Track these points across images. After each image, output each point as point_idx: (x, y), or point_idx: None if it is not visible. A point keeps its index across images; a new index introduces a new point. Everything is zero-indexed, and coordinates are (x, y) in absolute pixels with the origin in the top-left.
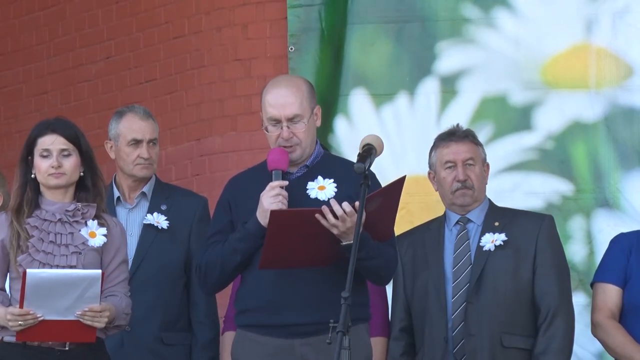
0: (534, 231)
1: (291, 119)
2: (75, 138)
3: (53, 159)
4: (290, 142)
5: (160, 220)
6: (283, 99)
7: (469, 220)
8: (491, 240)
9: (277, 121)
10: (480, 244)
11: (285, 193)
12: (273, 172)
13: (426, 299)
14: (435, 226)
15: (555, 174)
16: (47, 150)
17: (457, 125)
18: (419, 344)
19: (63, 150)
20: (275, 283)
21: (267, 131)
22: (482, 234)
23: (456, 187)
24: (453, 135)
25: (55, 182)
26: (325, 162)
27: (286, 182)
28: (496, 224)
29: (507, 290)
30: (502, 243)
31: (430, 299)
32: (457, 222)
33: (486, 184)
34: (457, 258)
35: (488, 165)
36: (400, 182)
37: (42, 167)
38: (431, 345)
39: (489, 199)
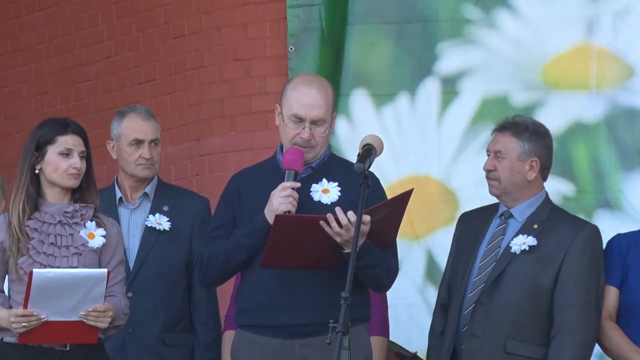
0: (567, 240)
1: (315, 122)
2: (87, 142)
3: (76, 159)
4: (308, 143)
5: (162, 221)
6: (313, 100)
7: (511, 215)
8: (520, 243)
9: (300, 120)
10: (510, 244)
11: (296, 195)
12: (286, 171)
13: (454, 286)
14: (489, 212)
15: (556, 175)
16: (69, 149)
17: (515, 116)
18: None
19: (82, 152)
20: (275, 283)
21: (287, 127)
22: (517, 234)
23: (485, 175)
24: (499, 126)
25: (72, 183)
26: (330, 164)
27: (298, 184)
28: (535, 226)
29: (522, 296)
30: (527, 248)
31: (455, 289)
32: (500, 215)
33: (529, 179)
34: (486, 253)
35: (536, 161)
36: (407, 195)
37: (61, 165)
38: (446, 336)
39: (546, 196)
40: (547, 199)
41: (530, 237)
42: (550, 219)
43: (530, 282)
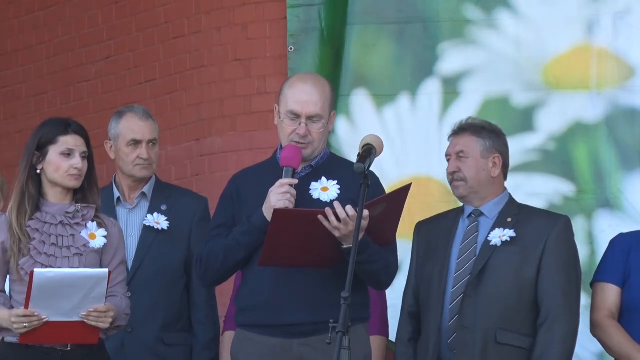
0: (545, 231)
1: (311, 118)
2: (89, 142)
3: (77, 159)
4: (305, 139)
5: (160, 221)
6: (308, 96)
7: (482, 214)
8: (499, 236)
9: (296, 116)
10: (488, 238)
11: (293, 192)
12: (284, 169)
13: (429, 287)
14: (452, 216)
15: (557, 175)
16: (70, 150)
17: (468, 118)
18: (422, 330)
19: (83, 152)
20: (274, 283)
21: (283, 124)
22: (493, 228)
23: (449, 179)
24: (456, 129)
25: (74, 184)
26: (330, 163)
27: (296, 181)
28: (509, 219)
29: (508, 287)
30: (508, 239)
31: (432, 288)
32: (469, 215)
33: (493, 176)
34: (463, 250)
35: (498, 157)
36: (406, 189)
37: (62, 165)
38: (428, 333)
39: (510, 195)
40: (512, 198)
41: (508, 230)
42: (521, 213)
43: (515, 273)
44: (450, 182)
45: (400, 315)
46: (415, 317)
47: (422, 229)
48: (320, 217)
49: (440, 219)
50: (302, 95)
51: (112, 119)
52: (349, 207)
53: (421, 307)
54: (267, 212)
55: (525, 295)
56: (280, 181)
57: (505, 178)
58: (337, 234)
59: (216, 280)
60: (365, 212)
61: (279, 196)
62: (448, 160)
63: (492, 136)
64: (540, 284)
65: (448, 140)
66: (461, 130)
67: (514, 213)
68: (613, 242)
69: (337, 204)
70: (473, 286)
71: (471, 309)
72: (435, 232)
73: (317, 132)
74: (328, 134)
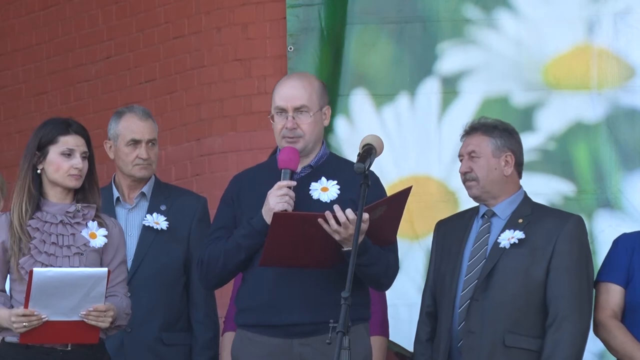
0: (555, 231)
1: (297, 109)
2: (89, 142)
3: (77, 160)
4: (294, 133)
5: (159, 221)
6: (292, 90)
7: (494, 214)
8: (508, 238)
9: (283, 110)
10: (497, 240)
11: (292, 194)
12: (282, 171)
13: (442, 288)
14: (468, 216)
15: (557, 175)
16: (71, 150)
17: (480, 118)
18: (437, 332)
19: (84, 152)
20: (274, 283)
21: (274, 122)
22: (503, 230)
23: (462, 179)
24: (467, 129)
25: (75, 184)
26: (329, 163)
27: (294, 183)
28: (520, 220)
29: (516, 289)
30: (517, 241)
31: (444, 290)
32: (483, 215)
33: (506, 175)
34: (474, 252)
35: (511, 156)
36: (406, 192)
37: (62, 165)
38: (440, 336)
39: (525, 193)
40: (526, 197)
41: (518, 231)
42: (534, 214)
43: (523, 275)
44: (463, 182)
45: (419, 316)
46: (434, 317)
47: (441, 228)
48: (320, 220)
49: (457, 218)
50: (287, 89)
51: (111, 119)
52: (348, 211)
53: (437, 308)
54: (267, 215)
55: (534, 298)
56: (279, 183)
57: (519, 176)
58: (337, 237)
59: (217, 282)
60: (365, 216)
61: (278, 199)
62: (461, 161)
63: (504, 135)
64: (549, 286)
65: (461, 140)
66: (473, 130)
67: (526, 214)
68: (617, 242)
69: (337, 208)
70: (481, 290)
71: (478, 314)
72: (451, 232)
73: (306, 124)
74: (323, 129)
